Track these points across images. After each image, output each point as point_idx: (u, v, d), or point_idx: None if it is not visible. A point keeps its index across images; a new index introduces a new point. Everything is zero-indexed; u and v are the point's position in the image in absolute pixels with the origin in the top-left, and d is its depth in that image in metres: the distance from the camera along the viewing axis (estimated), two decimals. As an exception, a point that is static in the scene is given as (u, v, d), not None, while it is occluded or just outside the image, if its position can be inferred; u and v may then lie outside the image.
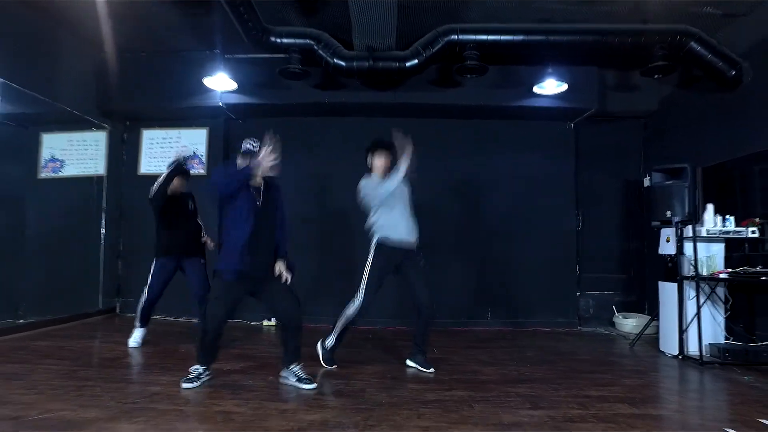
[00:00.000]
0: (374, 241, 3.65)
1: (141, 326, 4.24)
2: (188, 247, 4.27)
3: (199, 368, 3.08)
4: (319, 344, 3.69)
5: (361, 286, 3.58)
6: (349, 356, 3.88)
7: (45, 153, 6.25)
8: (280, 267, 3.17)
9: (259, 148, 3.02)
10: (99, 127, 6.10)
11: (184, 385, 2.97)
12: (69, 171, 6.23)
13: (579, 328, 5.79)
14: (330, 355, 3.63)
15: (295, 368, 3.13)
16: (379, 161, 3.74)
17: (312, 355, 3.60)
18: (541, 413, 2.66)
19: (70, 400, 2.69)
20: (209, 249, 4.40)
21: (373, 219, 3.67)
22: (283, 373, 3.17)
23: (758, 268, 3.84)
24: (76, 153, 6.27)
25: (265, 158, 2.93)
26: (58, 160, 6.24)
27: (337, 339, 3.63)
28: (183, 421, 2.45)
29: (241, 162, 3.11)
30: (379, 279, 3.60)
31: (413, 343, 3.70)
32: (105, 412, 2.51)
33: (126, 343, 4.16)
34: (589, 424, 2.49)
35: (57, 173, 6.22)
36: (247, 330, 5.17)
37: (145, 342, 4.23)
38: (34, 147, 6.20)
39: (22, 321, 5.45)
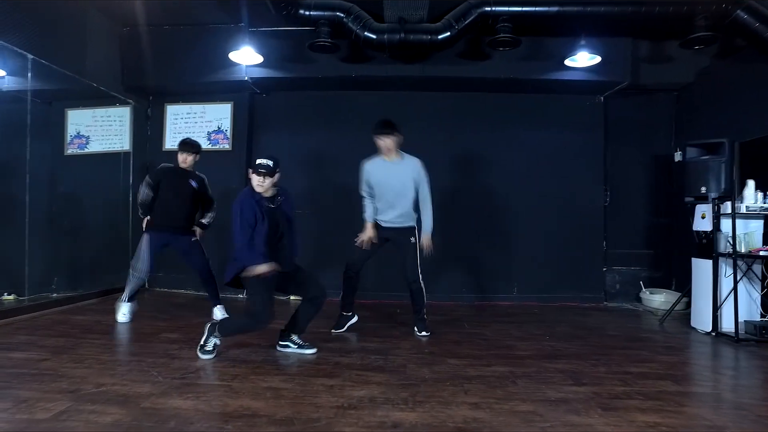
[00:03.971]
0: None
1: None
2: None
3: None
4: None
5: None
6: (383, 331, 3.95)
7: (71, 129, 6.26)
8: None
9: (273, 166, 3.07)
10: (123, 103, 6.08)
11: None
12: (94, 147, 6.24)
13: (605, 303, 5.79)
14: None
15: (296, 338, 3.33)
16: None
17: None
18: (586, 389, 2.67)
19: (120, 375, 2.75)
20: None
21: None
22: (281, 342, 3.35)
23: (799, 246, 3.78)
24: (100, 129, 6.27)
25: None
26: (83, 136, 6.25)
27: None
28: (232, 398, 2.49)
29: (252, 177, 3.09)
30: None
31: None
32: (157, 388, 2.56)
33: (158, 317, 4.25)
34: (635, 401, 2.50)
35: (83, 150, 6.25)
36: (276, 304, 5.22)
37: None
38: (60, 123, 6.22)
39: (55, 295, 5.55)
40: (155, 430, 2.03)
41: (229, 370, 2.92)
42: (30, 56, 4.46)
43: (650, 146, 5.99)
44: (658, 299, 5.42)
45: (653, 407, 2.42)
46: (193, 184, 4.29)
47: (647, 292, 5.66)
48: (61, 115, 6.25)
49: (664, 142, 5.92)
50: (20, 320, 4.17)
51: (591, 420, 2.25)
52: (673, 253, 5.81)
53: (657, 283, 5.85)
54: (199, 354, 3.13)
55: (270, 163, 3.07)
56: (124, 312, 4.23)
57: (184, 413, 2.21)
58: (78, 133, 6.26)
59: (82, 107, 6.23)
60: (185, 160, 4.26)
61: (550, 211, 5.81)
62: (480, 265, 5.74)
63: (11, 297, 5.70)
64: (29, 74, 4.56)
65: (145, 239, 4.24)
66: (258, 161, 3.09)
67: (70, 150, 6.25)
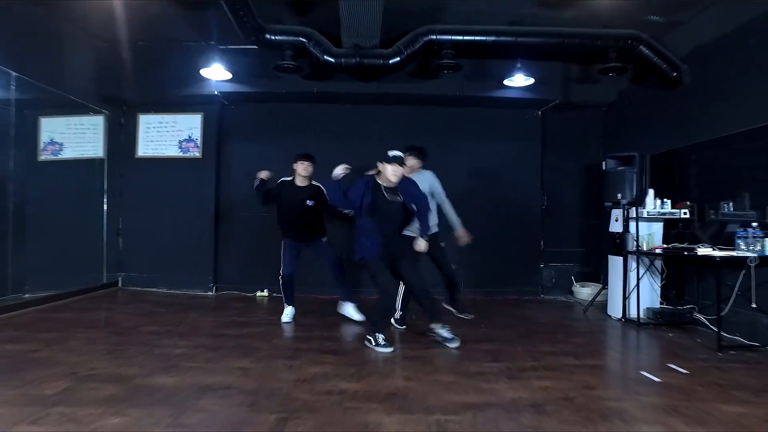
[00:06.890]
0: None
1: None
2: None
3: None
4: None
5: None
6: (341, 321, 4.50)
7: (44, 136, 6.55)
8: None
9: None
10: (96, 112, 6.42)
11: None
12: (68, 154, 6.55)
13: (542, 296, 6.51)
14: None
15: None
16: None
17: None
18: (500, 365, 3.30)
19: (110, 360, 3.22)
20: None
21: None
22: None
23: (685, 244, 4.52)
24: (74, 137, 6.58)
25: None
26: (57, 143, 6.55)
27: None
28: (208, 375, 3.00)
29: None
30: None
31: None
32: (142, 370, 3.05)
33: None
34: (537, 372, 3.14)
35: (56, 156, 6.55)
36: (244, 300, 5.72)
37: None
38: (32, 130, 6.48)
39: (28, 296, 5.84)
40: (148, 401, 2.53)
41: (204, 354, 3.42)
42: (14, 73, 4.81)
43: (582, 156, 6.72)
44: (586, 291, 6.16)
45: (550, 376, 3.07)
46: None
47: (578, 286, 6.41)
48: (33, 122, 6.52)
49: (594, 152, 6.66)
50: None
51: (497, 386, 2.87)
52: (601, 251, 6.56)
53: (587, 277, 6.60)
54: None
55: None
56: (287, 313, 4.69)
57: (170, 388, 2.72)
58: (51, 140, 6.56)
59: (56, 115, 6.53)
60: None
61: (493, 213, 6.46)
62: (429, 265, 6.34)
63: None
64: (13, 88, 4.89)
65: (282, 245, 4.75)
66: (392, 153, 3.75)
67: (44, 156, 6.54)
